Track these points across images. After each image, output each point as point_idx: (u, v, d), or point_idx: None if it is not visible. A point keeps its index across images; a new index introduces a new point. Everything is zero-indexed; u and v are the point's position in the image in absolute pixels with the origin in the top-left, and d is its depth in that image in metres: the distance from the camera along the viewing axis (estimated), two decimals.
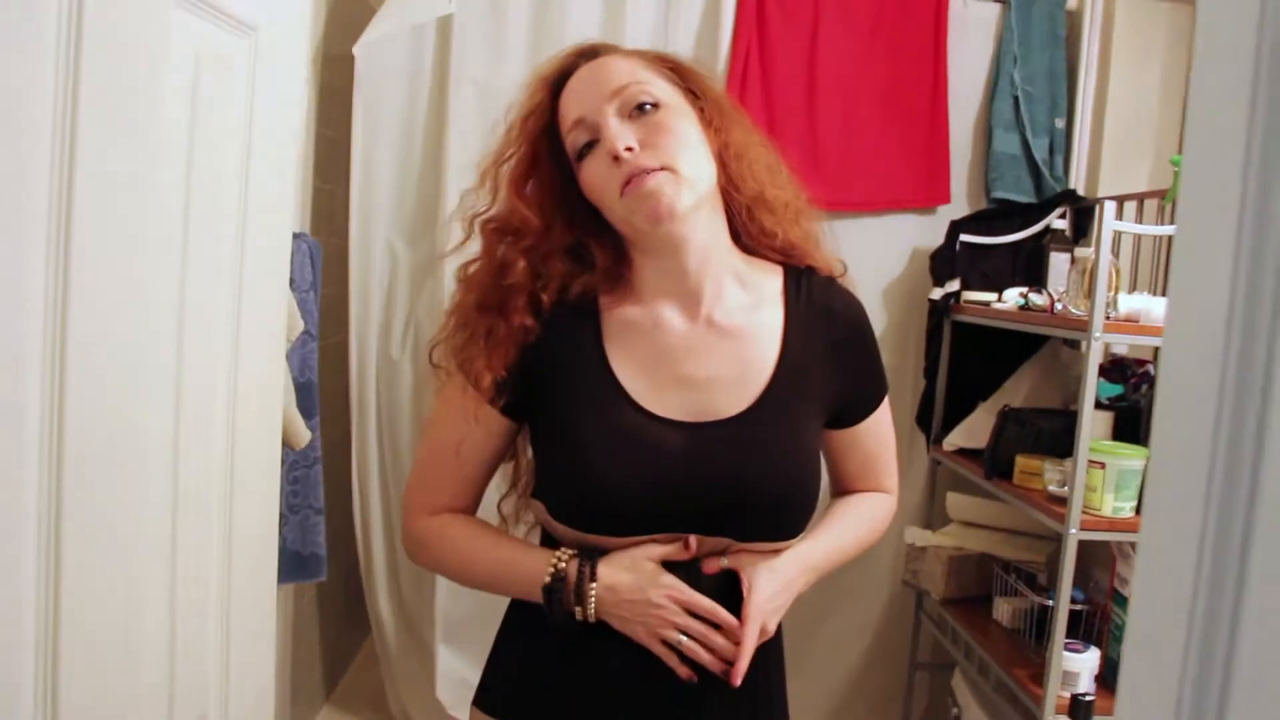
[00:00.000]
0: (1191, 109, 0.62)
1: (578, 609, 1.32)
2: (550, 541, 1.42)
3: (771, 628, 1.36)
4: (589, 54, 1.39)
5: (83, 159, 1.00)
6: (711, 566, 1.33)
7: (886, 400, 1.53)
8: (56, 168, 0.98)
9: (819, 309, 1.44)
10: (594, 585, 1.31)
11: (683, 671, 1.31)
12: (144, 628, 1.25)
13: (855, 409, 1.48)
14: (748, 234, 1.45)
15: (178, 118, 1.22)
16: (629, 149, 1.29)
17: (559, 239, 1.38)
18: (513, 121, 1.42)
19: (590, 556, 1.34)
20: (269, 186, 1.48)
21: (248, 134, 1.40)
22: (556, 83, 1.39)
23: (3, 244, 0.95)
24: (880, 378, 1.52)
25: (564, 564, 1.33)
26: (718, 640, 1.31)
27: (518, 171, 1.40)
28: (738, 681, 1.30)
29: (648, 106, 1.32)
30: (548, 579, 1.33)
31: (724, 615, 1.31)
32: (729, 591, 1.35)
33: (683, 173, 1.30)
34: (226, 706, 1.47)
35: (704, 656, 1.31)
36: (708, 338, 1.39)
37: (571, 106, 1.35)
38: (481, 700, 1.47)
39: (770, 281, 1.45)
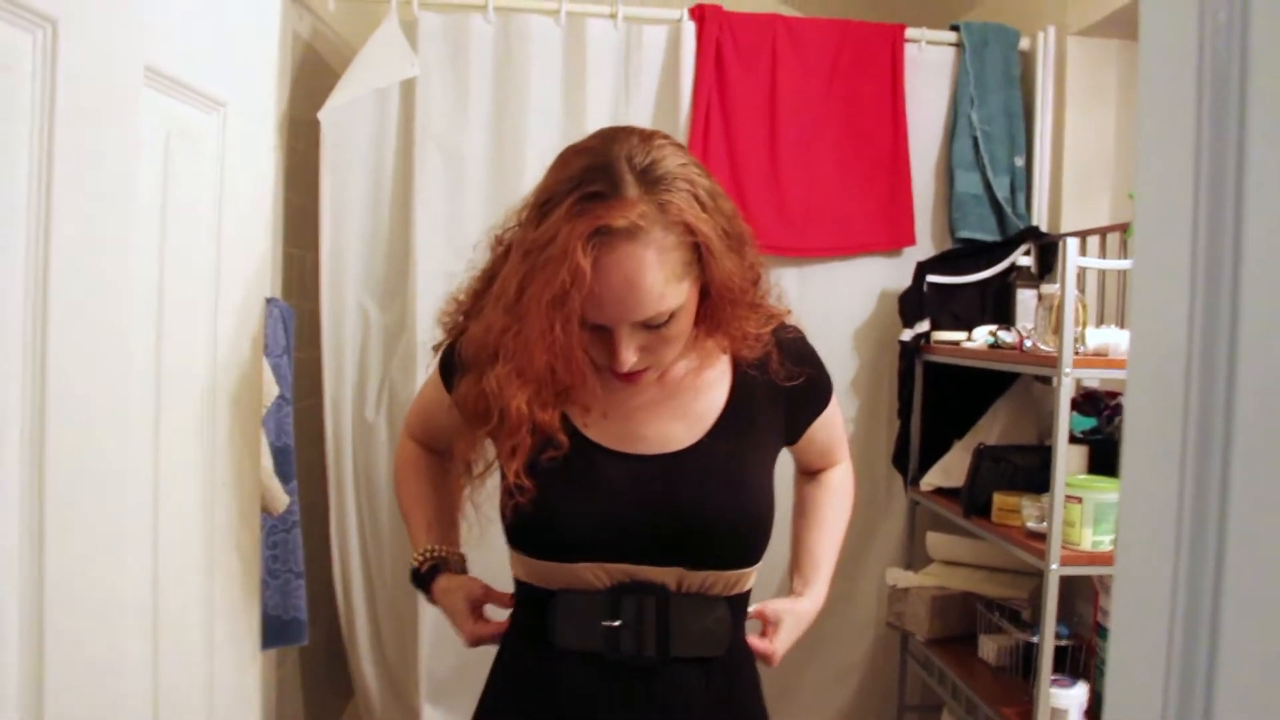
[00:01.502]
0: (1138, 143, 0.64)
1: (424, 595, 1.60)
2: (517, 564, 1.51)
3: (776, 664, 1.53)
4: (619, 234, 1.25)
5: (58, 234, 1.01)
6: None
7: (832, 401, 1.61)
8: (31, 243, 0.99)
9: (764, 361, 1.48)
10: (423, 596, 1.60)
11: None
12: (126, 701, 1.24)
13: (806, 421, 1.57)
14: (702, 324, 1.45)
15: (149, 192, 1.23)
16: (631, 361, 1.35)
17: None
18: (556, 280, 1.26)
19: (436, 571, 1.59)
20: (241, 255, 1.50)
21: (218, 206, 1.41)
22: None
23: None
24: (825, 385, 1.58)
25: (421, 563, 1.60)
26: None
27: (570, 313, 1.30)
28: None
29: (661, 322, 1.32)
30: (413, 563, 1.61)
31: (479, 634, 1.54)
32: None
33: (666, 364, 1.41)
34: None
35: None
36: (659, 393, 1.46)
37: (594, 310, 1.29)
38: None
39: (715, 340, 1.48)
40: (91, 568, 1.13)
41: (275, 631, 2.65)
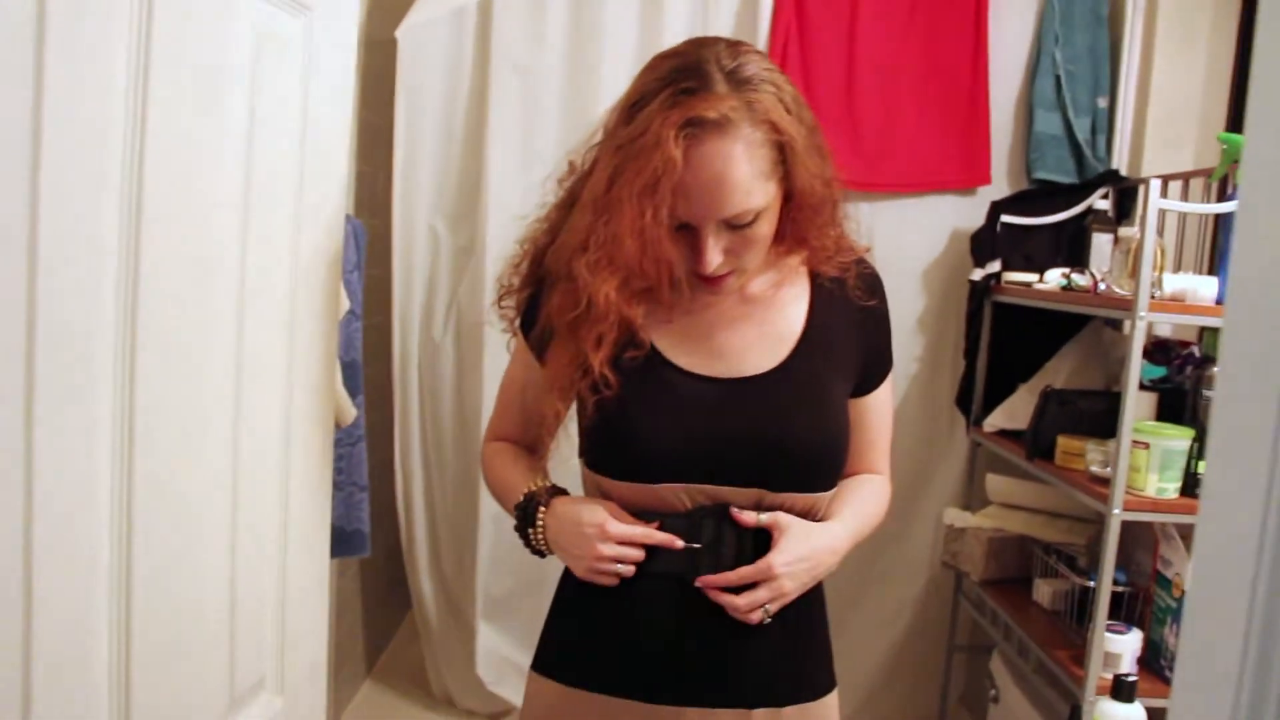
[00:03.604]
0: (1253, 88, 0.62)
1: (530, 531, 1.47)
2: None
3: (788, 589, 1.40)
4: (709, 126, 1.29)
5: (152, 136, 1.03)
6: (748, 519, 1.40)
7: (890, 380, 1.59)
8: (129, 144, 1.01)
9: (843, 280, 1.51)
10: (543, 511, 1.46)
11: (608, 579, 1.41)
12: (207, 595, 1.28)
13: (870, 378, 1.55)
14: (784, 239, 1.47)
15: (239, 95, 1.24)
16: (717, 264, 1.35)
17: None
18: (650, 169, 1.29)
19: (557, 491, 1.49)
20: (324, 165, 1.51)
21: (303, 112, 1.42)
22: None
23: (80, 219, 0.98)
24: (889, 351, 1.58)
25: (534, 488, 1.49)
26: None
27: (660, 206, 1.31)
28: (732, 603, 1.38)
29: (748, 221, 1.34)
30: (520, 498, 1.49)
31: (658, 536, 1.39)
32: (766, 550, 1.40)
33: (750, 268, 1.41)
34: (283, 672, 1.51)
35: (626, 572, 1.40)
36: (739, 308, 1.48)
37: (683, 205, 1.31)
38: (539, 663, 1.54)
39: (796, 257, 1.51)
40: (177, 472, 1.17)
41: (338, 542, 2.71)
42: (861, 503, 1.54)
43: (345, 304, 2.40)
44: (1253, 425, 0.58)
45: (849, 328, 1.50)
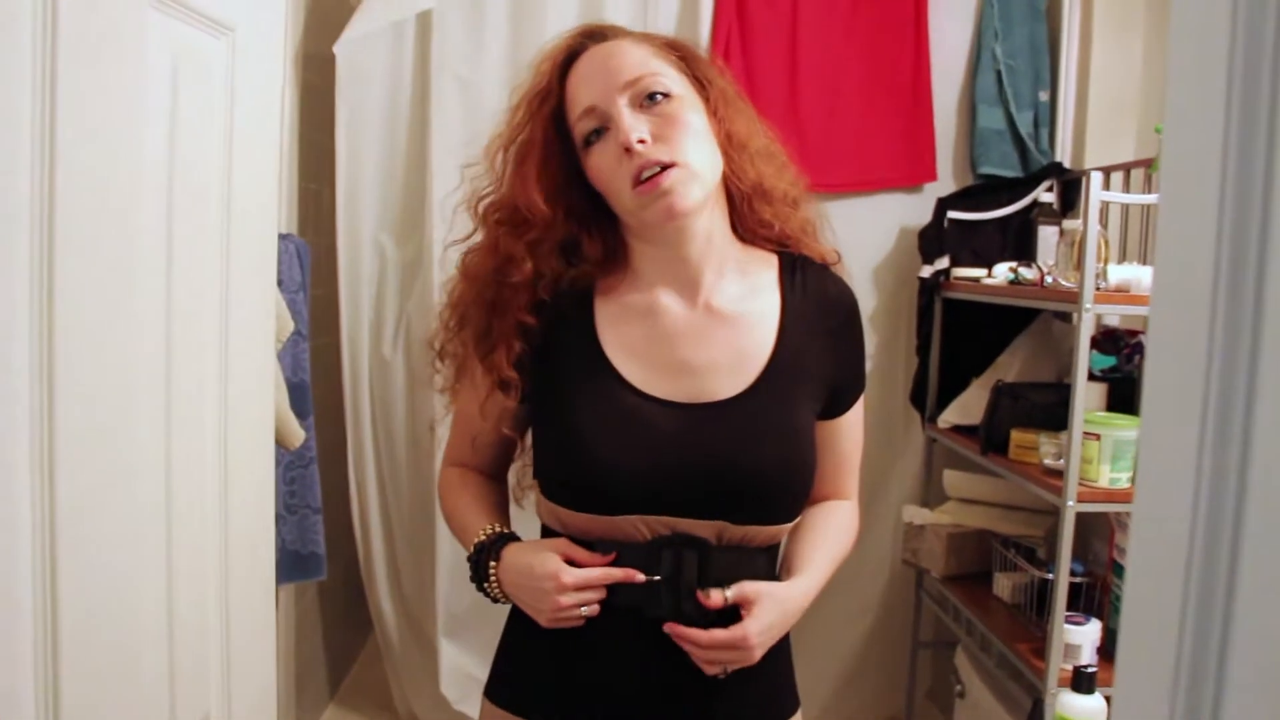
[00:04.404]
0: (1170, 75, 0.62)
1: (485, 585, 1.40)
2: (547, 531, 1.44)
3: (757, 656, 1.34)
4: (597, 36, 1.38)
5: (62, 163, 1.00)
6: (715, 600, 1.33)
7: (861, 401, 1.52)
8: (37, 172, 0.98)
9: (814, 297, 1.45)
10: (494, 564, 1.39)
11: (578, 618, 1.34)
12: (142, 631, 1.25)
13: (841, 400, 1.48)
14: (745, 223, 1.45)
15: (157, 120, 1.22)
16: (641, 141, 1.29)
17: (560, 231, 1.38)
18: (518, 102, 1.40)
19: (505, 539, 1.42)
20: (252, 186, 1.48)
21: (228, 135, 1.40)
22: (564, 64, 1.38)
23: None
24: (863, 371, 1.53)
25: (483, 538, 1.42)
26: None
27: (524, 155, 1.38)
28: (696, 655, 1.32)
29: (659, 97, 1.31)
30: (470, 548, 1.43)
31: (616, 574, 1.32)
32: (733, 618, 1.34)
33: (694, 167, 1.31)
34: (229, 705, 1.48)
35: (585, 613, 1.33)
36: (706, 324, 1.40)
37: (581, 93, 1.34)
38: (491, 691, 1.49)
39: (766, 270, 1.45)
40: (103, 504, 1.13)
41: (293, 566, 2.68)
42: (832, 542, 1.48)
43: (291, 325, 2.37)
44: (1181, 410, 0.58)
45: (821, 348, 1.43)
